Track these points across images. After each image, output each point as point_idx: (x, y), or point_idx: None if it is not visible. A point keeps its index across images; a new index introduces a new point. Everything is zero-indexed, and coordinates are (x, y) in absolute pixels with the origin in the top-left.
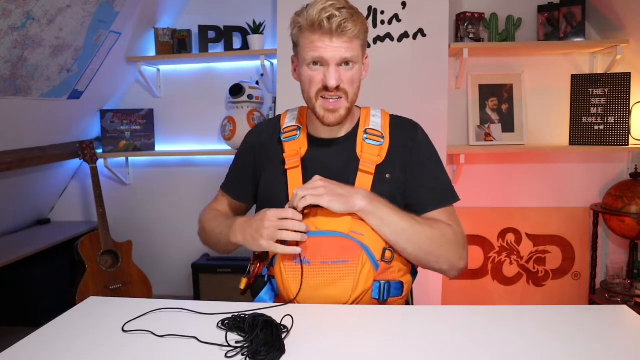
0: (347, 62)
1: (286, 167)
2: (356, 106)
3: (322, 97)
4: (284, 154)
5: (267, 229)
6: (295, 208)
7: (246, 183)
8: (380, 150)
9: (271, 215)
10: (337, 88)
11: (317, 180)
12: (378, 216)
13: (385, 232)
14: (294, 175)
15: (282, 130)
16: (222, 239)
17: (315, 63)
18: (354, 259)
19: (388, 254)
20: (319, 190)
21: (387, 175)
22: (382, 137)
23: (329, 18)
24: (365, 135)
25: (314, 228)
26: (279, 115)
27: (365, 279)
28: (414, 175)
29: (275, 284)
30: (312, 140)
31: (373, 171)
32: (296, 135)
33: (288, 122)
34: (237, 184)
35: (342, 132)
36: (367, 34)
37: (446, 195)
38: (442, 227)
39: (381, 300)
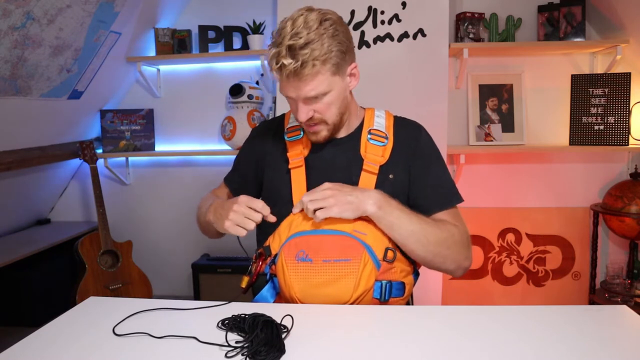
0: (314, 97)
1: (290, 166)
2: (361, 107)
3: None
4: (288, 153)
5: (235, 213)
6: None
7: (247, 180)
8: (384, 151)
9: (242, 201)
10: (311, 118)
11: (325, 188)
12: (388, 220)
13: (394, 236)
14: (298, 175)
15: (285, 130)
16: (202, 218)
17: (288, 97)
18: (356, 257)
19: (390, 254)
20: (329, 201)
21: (390, 176)
22: (386, 138)
23: (280, 68)
24: (369, 136)
25: (316, 226)
26: (283, 115)
27: (367, 278)
28: (418, 177)
29: (277, 283)
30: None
31: (377, 171)
32: (300, 135)
33: (292, 122)
34: (238, 180)
35: (344, 133)
36: (342, 53)
37: (449, 197)
38: (449, 229)
39: (382, 300)
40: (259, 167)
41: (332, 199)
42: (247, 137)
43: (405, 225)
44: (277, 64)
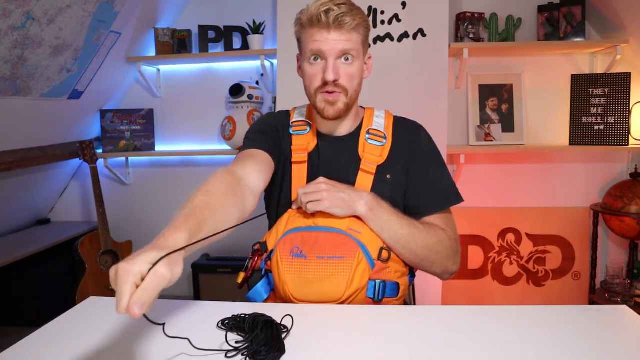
0: (346, 57)
1: (293, 160)
2: (361, 106)
3: (321, 92)
4: (292, 147)
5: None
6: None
7: (275, 142)
8: (382, 151)
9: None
10: (336, 83)
11: (320, 182)
12: (378, 223)
13: (383, 237)
14: (299, 171)
15: (291, 124)
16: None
17: (315, 58)
18: (350, 255)
19: (385, 253)
20: (322, 195)
21: (388, 176)
22: (385, 138)
23: (327, 12)
24: (367, 135)
25: (312, 223)
26: (288, 110)
27: (361, 277)
28: (416, 178)
29: (272, 278)
30: (319, 137)
31: (374, 171)
32: (306, 130)
33: (297, 117)
34: (270, 142)
35: (346, 131)
36: (368, 31)
37: (447, 199)
38: (439, 234)
39: (376, 300)
40: (277, 138)
41: (325, 193)
42: (259, 119)
43: (395, 228)
44: (324, 6)
